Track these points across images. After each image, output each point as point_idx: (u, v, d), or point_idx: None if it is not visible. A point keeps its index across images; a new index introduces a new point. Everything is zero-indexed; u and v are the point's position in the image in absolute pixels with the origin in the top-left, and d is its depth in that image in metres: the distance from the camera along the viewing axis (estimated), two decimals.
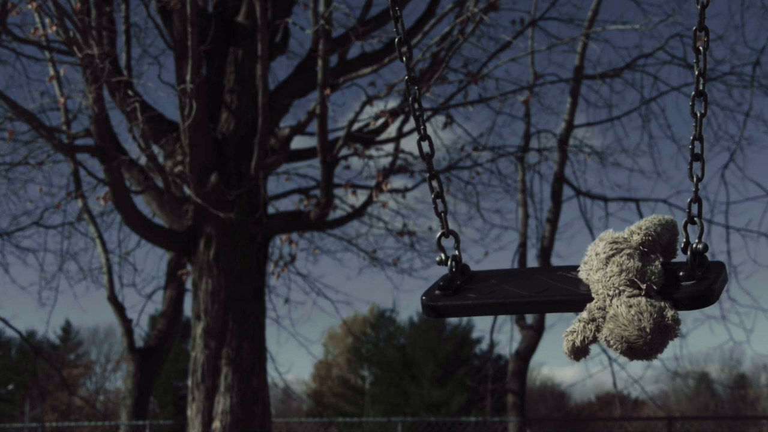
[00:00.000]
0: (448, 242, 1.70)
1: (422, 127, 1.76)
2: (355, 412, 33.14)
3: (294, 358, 59.27)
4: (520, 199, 12.65)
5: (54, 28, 6.76)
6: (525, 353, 12.45)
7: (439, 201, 1.76)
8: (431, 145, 1.76)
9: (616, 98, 21.40)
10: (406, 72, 1.74)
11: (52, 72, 7.73)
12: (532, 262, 12.50)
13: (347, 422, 21.86)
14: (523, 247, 12.57)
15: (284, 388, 14.06)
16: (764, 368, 38.69)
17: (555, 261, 12.47)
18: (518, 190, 12.64)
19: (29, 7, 6.73)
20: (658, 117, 24.57)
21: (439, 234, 1.73)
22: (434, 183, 1.77)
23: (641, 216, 12.51)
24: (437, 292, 1.65)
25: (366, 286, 44.77)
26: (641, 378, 13.35)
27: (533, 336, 12.34)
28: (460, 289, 1.65)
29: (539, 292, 1.57)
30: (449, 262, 1.69)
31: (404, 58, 1.76)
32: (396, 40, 1.78)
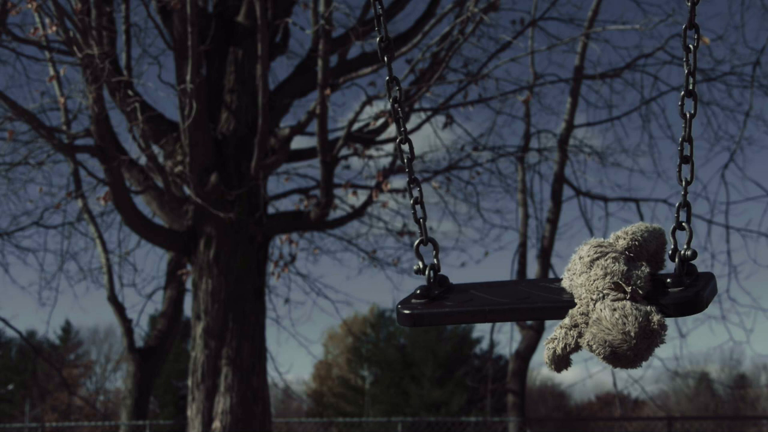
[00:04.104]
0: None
1: (403, 129, 1.72)
2: (355, 412, 33.13)
3: (294, 358, 59.31)
4: (520, 199, 12.65)
5: (54, 28, 6.76)
6: (525, 353, 12.45)
7: (418, 207, 1.71)
8: (412, 149, 1.72)
9: (616, 98, 21.44)
10: (388, 73, 1.71)
11: (52, 72, 7.73)
12: (532, 262, 12.51)
13: (347, 422, 21.86)
14: (523, 247, 12.57)
15: (284, 388, 14.06)
16: (764, 368, 38.74)
17: (555, 261, 12.48)
18: (518, 190, 12.64)
19: (29, 7, 6.73)
20: (658, 117, 24.57)
21: (417, 242, 1.69)
22: (414, 188, 1.72)
23: (641, 216, 12.52)
24: (414, 300, 1.61)
25: (366, 286, 44.76)
26: (641, 378, 13.31)
27: (533, 336, 12.34)
28: (438, 298, 1.61)
29: (519, 299, 1.53)
30: (427, 271, 1.65)
31: (385, 58, 1.72)
32: (378, 39, 1.74)
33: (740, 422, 25.35)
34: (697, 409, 34.17)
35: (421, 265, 1.67)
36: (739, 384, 35.65)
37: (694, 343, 59.96)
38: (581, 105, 12.79)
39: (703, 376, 34.22)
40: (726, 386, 33.39)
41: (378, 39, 1.74)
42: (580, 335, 1.40)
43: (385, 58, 1.73)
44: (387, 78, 1.72)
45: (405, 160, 1.73)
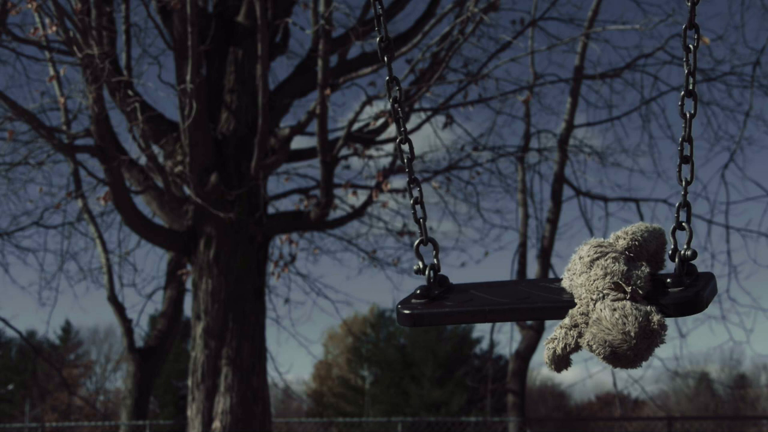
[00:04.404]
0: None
1: (403, 129, 1.71)
2: (355, 412, 33.14)
3: (294, 358, 59.32)
4: (520, 199, 12.65)
5: (54, 28, 6.76)
6: (525, 353, 12.45)
7: (418, 207, 1.71)
8: (412, 148, 1.72)
9: (616, 98, 21.46)
10: (388, 73, 1.71)
11: (52, 72, 7.73)
12: (532, 262, 12.51)
13: (347, 422, 21.85)
14: (523, 247, 12.57)
15: (284, 388, 14.06)
16: (764, 368, 38.75)
17: (555, 261, 12.48)
18: (518, 190, 12.64)
19: (29, 7, 6.73)
20: (658, 117, 24.60)
21: (417, 242, 1.69)
22: (414, 188, 1.71)
23: (641, 216, 12.52)
24: (414, 300, 1.61)
25: (366, 286, 44.77)
26: (641, 378, 13.30)
27: (533, 336, 12.34)
28: (438, 298, 1.61)
29: (519, 299, 1.52)
30: (427, 271, 1.64)
31: (385, 58, 1.72)
32: (378, 39, 1.73)
33: (740, 422, 25.35)
34: (697, 409, 34.17)
35: (421, 265, 1.66)
36: (739, 384, 35.65)
37: (694, 343, 60.01)
38: (581, 105, 12.80)
39: (703, 376, 34.23)
40: (726, 386, 33.40)
41: (378, 39, 1.74)
42: (580, 335, 1.40)
43: (385, 58, 1.72)
44: (387, 78, 1.72)
45: (405, 160, 1.72)
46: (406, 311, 1.59)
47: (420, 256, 1.67)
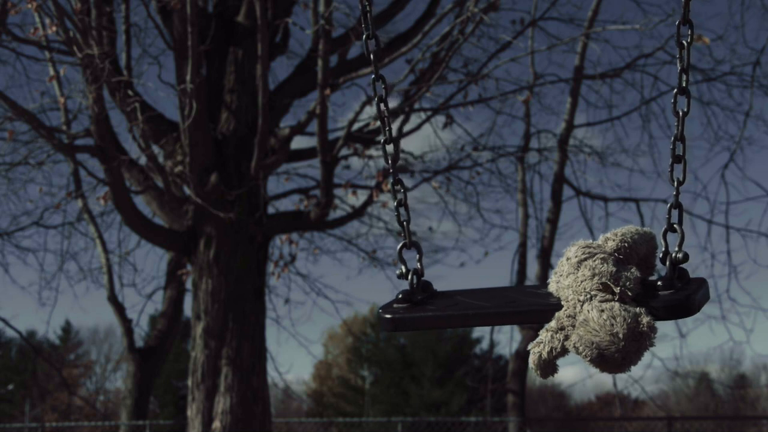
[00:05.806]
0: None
1: (387, 128, 1.67)
2: (355, 412, 33.13)
3: (294, 358, 59.32)
4: (520, 199, 12.65)
5: (54, 28, 6.75)
6: (525, 353, 12.40)
7: (402, 209, 1.66)
8: (397, 150, 1.67)
9: (616, 98, 21.46)
10: (374, 70, 1.67)
11: (52, 72, 7.72)
12: (532, 262, 12.51)
13: (347, 422, 21.84)
14: (523, 247, 12.57)
15: (284, 388, 14.06)
16: (764, 368, 38.77)
17: (555, 261, 12.42)
18: (518, 190, 12.64)
19: (29, 7, 6.72)
20: (658, 117, 24.57)
21: (400, 245, 1.64)
22: (398, 189, 1.67)
23: (641, 216, 12.53)
24: (395, 305, 1.58)
25: (366, 286, 44.78)
26: (641, 378, 13.30)
27: (533, 336, 12.24)
28: (421, 303, 1.57)
29: (505, 303, 1.49)
30: (409, 276, 1.60)
31: (371, 55, 1.68)
32: (364, 36, 1.69)
33: (740, 422, 25.36)
34: (697, 409, 34.17)
35: (403, 270, 1.62)
36: (739, 384, 35.65)
37: (694, 343, 60.03)
38: (581, 105, 12.80)
39: (703, 376, 34.22)
40: (726, 386, 33.38)
41: (364, 36, 1.69)
42: (567, 338, 1.35)
43: (371, 56, 1.68)
44: (373, 77, 1.68)
45: (389, 161, 1.68)
46: (387, 316, 1.55)
47: (403, 260, 1.63)
